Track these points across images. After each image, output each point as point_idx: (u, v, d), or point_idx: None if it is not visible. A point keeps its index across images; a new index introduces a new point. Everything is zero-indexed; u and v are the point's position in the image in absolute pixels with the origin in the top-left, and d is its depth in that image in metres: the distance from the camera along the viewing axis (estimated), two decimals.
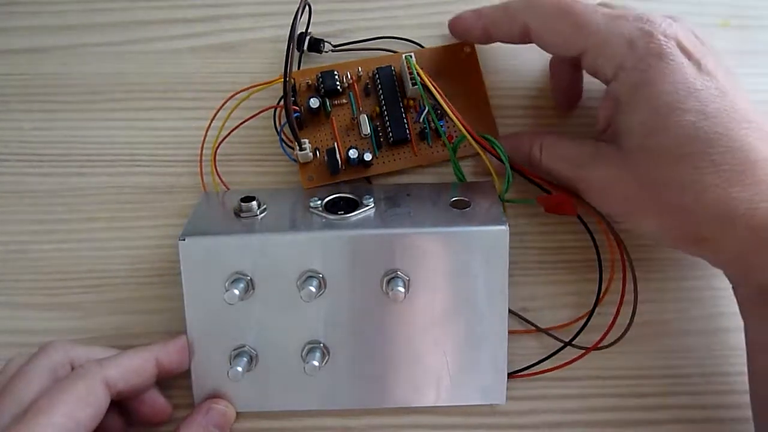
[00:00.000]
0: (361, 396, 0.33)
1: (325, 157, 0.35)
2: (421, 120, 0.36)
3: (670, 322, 0.36)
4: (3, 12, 0.38)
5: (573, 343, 0.34)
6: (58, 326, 0.35)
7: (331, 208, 0.33)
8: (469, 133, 0.32)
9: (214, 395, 0.33)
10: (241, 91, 0.35)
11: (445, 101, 0.33)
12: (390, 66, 0.36)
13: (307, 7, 0.35)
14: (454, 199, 0.34)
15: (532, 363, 0.35)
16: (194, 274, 0.31)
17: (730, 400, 0.35)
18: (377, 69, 0.36)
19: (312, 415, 0.34)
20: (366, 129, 0.35)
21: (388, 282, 0.31)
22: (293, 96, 0.35)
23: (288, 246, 0.31)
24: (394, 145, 0.36)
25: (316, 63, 0.37)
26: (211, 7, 0.38)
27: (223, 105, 0.36)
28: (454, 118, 0.32)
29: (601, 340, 0.33)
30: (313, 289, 0.30)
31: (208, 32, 0.38)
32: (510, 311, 0.34)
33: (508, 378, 0.33)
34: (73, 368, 0.30)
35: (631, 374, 0.35)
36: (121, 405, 0.31)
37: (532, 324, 0.35)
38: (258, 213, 0.33)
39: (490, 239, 0.31)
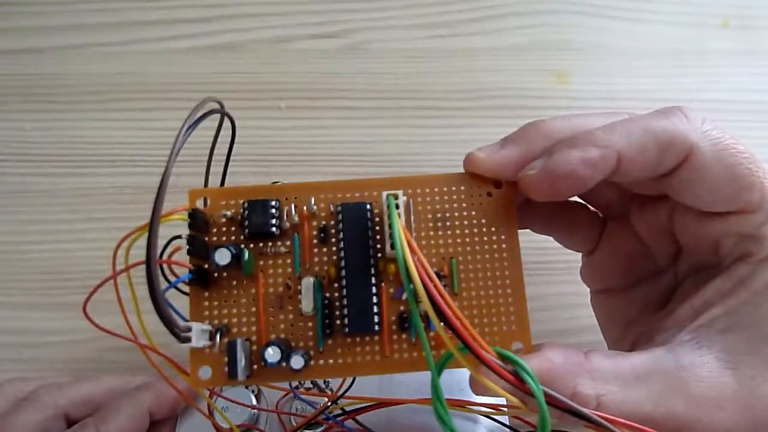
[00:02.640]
0: None
1: (225, 352, 0.21)
2: (404, 297, 0.22)
3: None
4: (3, 12, 0.38)
5: None
6: (58, 326, 0.35)
7: None
8: (473, 350, 0.19)
9: None
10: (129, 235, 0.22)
11: (432, 285, 0.19)
12: (364, 204, 0.22)
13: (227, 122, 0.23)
14: None
15: None
16: None
17: None
18: (342, 206, 0.22)
19: None
20: (308, 306, 0.21)
21: None
22: (202, 231, 0.22)
23: None
24: (352, 335, 0.22)
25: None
26: (211, 7, 0.38)
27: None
28: (447, 313, 0.18)
29: None
30: None
31: (208, 32, 0.38)
32: None
33: None
34: (67, 420, 0.28)
35: None
36: None
37: None
38: None
39: None
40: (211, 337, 0.21)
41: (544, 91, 0.38)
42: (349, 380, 0.26)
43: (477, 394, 0.21)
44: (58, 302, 0.36)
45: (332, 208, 0.22)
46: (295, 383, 0.28)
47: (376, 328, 0.21)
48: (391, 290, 0.22)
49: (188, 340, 0.20)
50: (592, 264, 0.27)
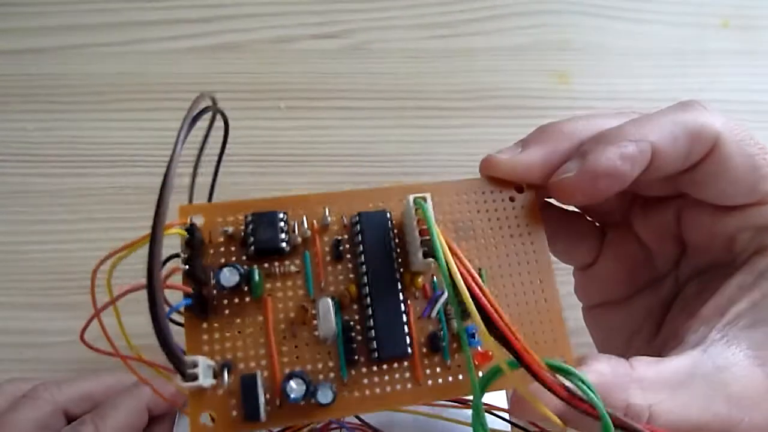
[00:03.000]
0: None
1: (239, 390, 0.18)
2: (435, 314, 0.20)
3: None
4: (3, 12, 0.38)
5: None
6: (58, 326, 0.35)
7: None
8: (527, 363, 0.17)
9: None
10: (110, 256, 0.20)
11: (478, 288, 0.17)
12: (384, 212, 0.20)
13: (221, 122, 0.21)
14: None
15: None
16: None
17: None
18: (360, 215, 0.20)
19: None
20: (329, 330, 0.19)
21: None
22: (196, 254, 0.19)
23: None
24: (381, 362, 0.19)
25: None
26: (211, 7, 0.38)
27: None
28: (502, 330, 0.17)
29: None
30: None
31: (208, 32, 0.38)
32: None
33: None
34: (66, 417, 0.28)
35: None
36: None
37: None
38: None
39: None
40: (215, 375, 0.18)
41: (545, 91, 0.38)
42: None
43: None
44: (58, 302, 0.36)
45: (345, 221, 0.20)
46: None
47: (409, 350, 0.19)
48: (418, 308, 0.20)
49: (195, 377, 0.17)
50: (591, 277, 0.27)
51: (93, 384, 0.29)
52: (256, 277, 0.19)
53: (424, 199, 0.19)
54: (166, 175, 0.15)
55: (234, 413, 0.18)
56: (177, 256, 0.20)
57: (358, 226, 0.20)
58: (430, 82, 0.39)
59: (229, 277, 0.18)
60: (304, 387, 0.18)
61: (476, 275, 0.17)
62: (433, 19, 0.38)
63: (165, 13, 0.38)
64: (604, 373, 0.19)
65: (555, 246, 0.26)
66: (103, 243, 0.36)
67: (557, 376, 0.17)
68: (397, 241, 0.20)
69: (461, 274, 0.17)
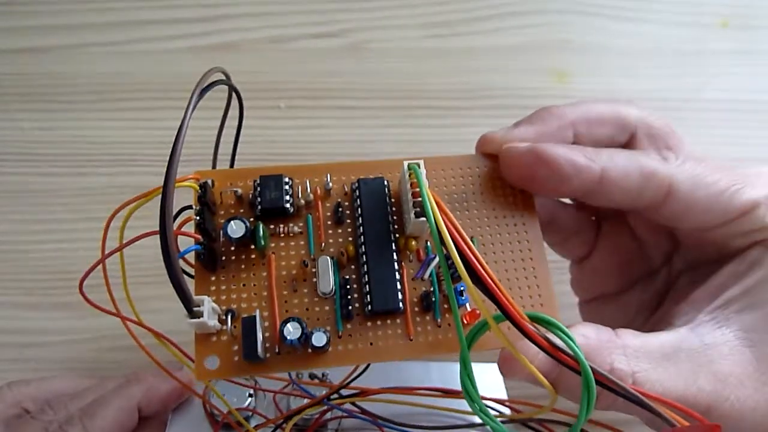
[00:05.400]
0: None
1: (240, 332, 0.19)
2: (428, 275, 0.21)
3: None
4: (3, 12, 0.38)
5: None
6: (58, 326, 0.35)
7: None
8: (511, 315, 0.17)
9: None
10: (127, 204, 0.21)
11: (466, 246, 0.18)
12: (381, 178, 0.22)
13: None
14: None
15: None
16: None
17: None
18: (360, 182, 0.22)
19: None
20: (328, 284, 0.20)
21: None
22: (211, 210, 0.21)
23: None
24: (374, 316, 0.21)
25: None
26: (211, 7, 0.38)
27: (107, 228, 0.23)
28: (486, 283, 0.18)
29: None
30: None
31: (208, 32, 0.38)
32: None
33: None
34: (28, 412, 0.27)
35: None
36: None
37: None
38: None
39: None
40: (220, 321, 0.20)
41: (544, 90, 0.38)
42: (350, 370, 0.25)
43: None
44: (58, 302, 0.36)
45: (346, 188, 0.22)
46: (293, 373, 0.27)
47: (401, 305, 0.20)
48: (412, 271, 0.21)
49: (200, 314, 0.18)
50: (586, 270, 0.27)
51: (65, 383, 0.29)
52: (261, 230, 0.20)
53: (418, 165, 0.20)
54: (180, 127, 0.19)
55: (236, 358, 0.19)
56: (189, 207, 0.21)
57: (357, 192, 0.22)
58: (429, 82, 0.39)
59: (235, 228, 0.20)
60: (300, 330, 0.19)
61: (462, 231, 0.18)
62: (432, 18, 0.38)
63: (165, 13, 0.38)
64: (589, 337, 0.20)
65: (551, 237, 0.27)
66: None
67: (539, 327, 0.18)
68: (394, 209, 0.22)
69: (448, 229, 0.18)
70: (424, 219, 0.19)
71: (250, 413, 0.28)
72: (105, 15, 0.38)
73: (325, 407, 0.26)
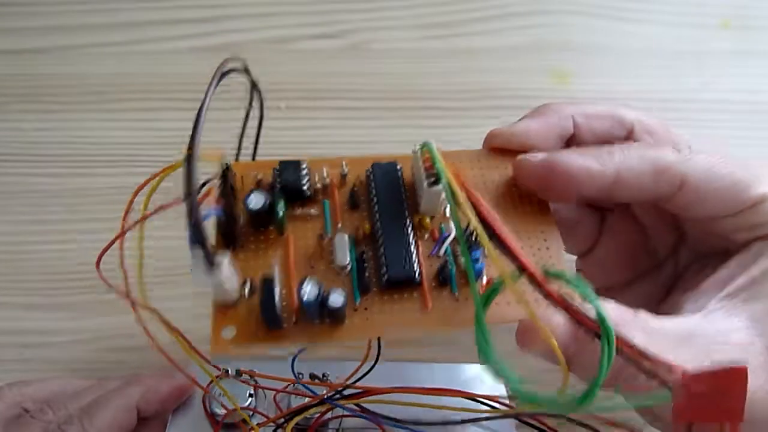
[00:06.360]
0: None
1: (259, 296, 0.19)
2: (443, 251, 0.21)
3: None
4: (3, 12, 0.38)
5: None
6: (58, 326, 0.35)
7: None
8: (529, 272, 0.17)
9: None
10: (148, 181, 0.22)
11: (485, 210, 0.18)
12: (395, 163, 0.23)
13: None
14: None
15: None
16: None
17: None
18: (374, 166, 0.23)
19: None
20: (344, 257, 0.21)
21: None
22: (231, 193, 0.22)
23: None
24: (391, 287, 0.21)
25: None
26: (211, 8, 0.38)
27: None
28: (502, 239, 0.18)
29: None
30: None
31: (208, 32, 0.38)
32: None
33: None
34: (28, 412, 0.27)
35: None
36: None
37: None
38: None
39: None
40: (241, 286, 0.20)
41: (545, 91, 0.38)
42: (352, 370, 0.25)
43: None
44: (58, 302, 0.36)
45: (361, 177, 0.23)
46: (296, 371, 0.27)
47: (417, 277, 0.20)
48: (427, 250, 0.22)
49: (220, 271, 0.18)
50: (592, 262, 0.28)
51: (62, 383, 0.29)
52: (281, 202, 0.21)
53: (432, 143, 0.21)
54: (201, 105, 0.19)
55: (253, 328, 0.20)
56: (211, 180, 0.21)
57: (372, 176, 0.23)
58: (429, 82, 0.39)
59: (255, 201, 0.21)
60: (317, 290, 0.19)
61: (476, 193, 0.18)
62: (432, 19, 0.38)
63: (165, 13, 0.38)
64: (610, 313, 0.19)
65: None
66: (104, 243, 0.36)
67: (557, 283, 0.17)
68: (407, 193, 0.22)
69: (463, 189, 0.18)
70: (437, 187, 0.20)
71: (251, 412, 0.28)
72: (105, 15, 0.38)
73: (327, 407, 0.26)
